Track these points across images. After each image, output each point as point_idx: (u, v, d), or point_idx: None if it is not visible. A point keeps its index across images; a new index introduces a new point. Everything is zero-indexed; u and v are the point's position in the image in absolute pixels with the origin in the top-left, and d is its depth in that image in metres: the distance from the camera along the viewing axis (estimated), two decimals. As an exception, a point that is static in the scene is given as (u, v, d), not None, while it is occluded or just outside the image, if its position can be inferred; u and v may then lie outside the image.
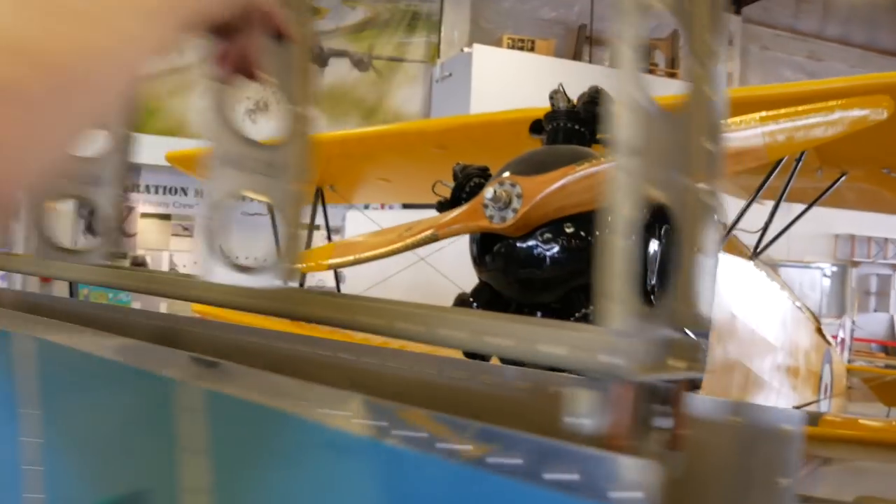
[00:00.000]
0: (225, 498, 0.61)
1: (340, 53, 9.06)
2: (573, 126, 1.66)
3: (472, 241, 1.65)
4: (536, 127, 1.80)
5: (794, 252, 9.03)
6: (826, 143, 2.13)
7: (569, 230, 1.47)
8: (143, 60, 0.43)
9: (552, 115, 1.70)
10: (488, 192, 1.46)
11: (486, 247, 1.58)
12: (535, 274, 1.52)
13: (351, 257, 1.85)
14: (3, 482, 0.85)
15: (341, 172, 3.89)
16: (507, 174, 1.50)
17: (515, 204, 1.43)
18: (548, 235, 1.48)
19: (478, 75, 8.30)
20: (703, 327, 0.48)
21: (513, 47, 8.93)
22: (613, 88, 0.43)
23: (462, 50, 8.85)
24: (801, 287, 9.31)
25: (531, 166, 1.49)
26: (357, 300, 0.56)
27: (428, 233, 1.59)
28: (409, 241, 1.65)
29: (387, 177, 4.22)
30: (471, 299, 1.65)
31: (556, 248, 1.48)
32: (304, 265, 2.24)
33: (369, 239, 1.89)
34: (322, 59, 8.80)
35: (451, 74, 8.79)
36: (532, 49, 9.00)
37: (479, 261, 1.62)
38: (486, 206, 1.47)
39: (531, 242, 1.49)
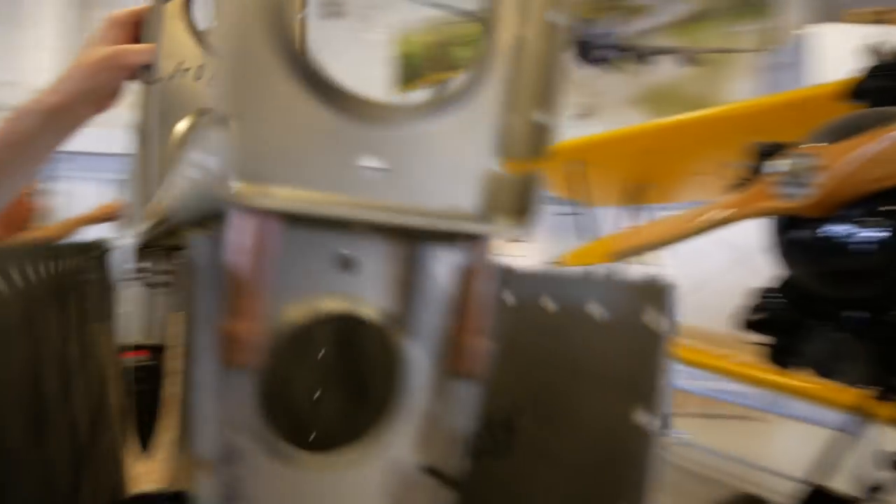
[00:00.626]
0: None
1: (665, 51, 8.75)
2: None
3: (768, 227, 1.43)
4: (859, 91, 1.50)
5: None
6: None
7: (886, 207, 1.18)
8: None
9: (874, 72, 1.40)
10: (779, 165, 1.25)
11: (784, 232, 1.36)
12: (843, 263, 1.26)
13: (633, 246, 1.76)
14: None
15: (657, 168, 3.69)
16: (804, 145, 1.27)
17: (812, 177, 1.20)
18: (859, 214, 1.21)
19: (816, 58, 7.36)
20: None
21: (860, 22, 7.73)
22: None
23: (797, 33, 7.92)
24: None
25: (834, 134, 1.24)
26: None
27: (709, 217, 1.42)
28: (690, 226, 1.50)
29: (702, 170, 3.91)
30: (773, 295, 1.44)
31: (870, 230, 1.20)
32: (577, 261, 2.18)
33: (653, 227, 1.77)
34: (642, 57, 8.61)
35: (788, 61, 7.93)
36: (883, 22, 7.69)
37: (777, 250, 1.40)
38: (777, 183, 1.26)
39: (837, 224, 1.24)
